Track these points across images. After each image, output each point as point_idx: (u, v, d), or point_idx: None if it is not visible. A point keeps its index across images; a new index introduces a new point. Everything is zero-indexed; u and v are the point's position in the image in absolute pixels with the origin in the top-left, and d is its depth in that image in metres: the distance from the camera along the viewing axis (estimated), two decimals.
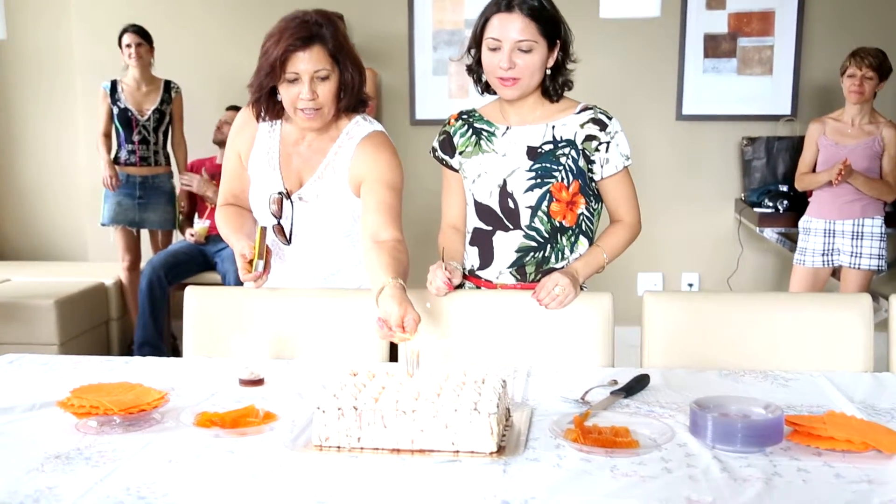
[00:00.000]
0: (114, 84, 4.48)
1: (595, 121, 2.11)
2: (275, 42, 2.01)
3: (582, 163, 2.11)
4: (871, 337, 2.03)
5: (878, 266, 3.76)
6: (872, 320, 2.04)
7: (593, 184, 2.15)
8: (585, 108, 2.14)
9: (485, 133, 2.17)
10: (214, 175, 4.74)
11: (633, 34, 4.66)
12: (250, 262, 2.04)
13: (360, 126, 2.17)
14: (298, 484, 1.30)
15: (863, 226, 3.74)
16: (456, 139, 2.21)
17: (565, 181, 2.10)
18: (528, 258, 2.14)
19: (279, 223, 2.18)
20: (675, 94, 4.68)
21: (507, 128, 2.15)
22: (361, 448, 1.42)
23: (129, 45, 4.45)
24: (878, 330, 2.03)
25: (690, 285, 4.87)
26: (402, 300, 1.80)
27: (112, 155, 4.51)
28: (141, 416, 1.56)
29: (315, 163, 2.17)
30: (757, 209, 4.32)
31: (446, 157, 2.23)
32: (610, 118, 2.13)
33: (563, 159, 2.10)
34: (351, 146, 2.14)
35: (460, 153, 2.20)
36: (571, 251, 2.15)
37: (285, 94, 2.06)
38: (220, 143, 4.70)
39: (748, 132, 4.64)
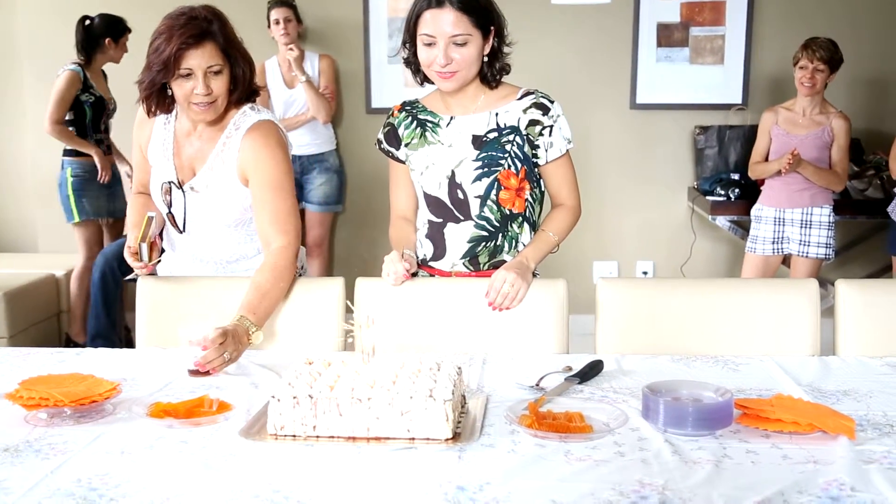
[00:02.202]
0: (81, 69, 4.34)
1: (537, 105, 2.12)
2: (166, 40, 2.02)
3: (527, 148, 2.12)
4: (818, 322, 2.08)
5: (826, 255, 3.84)
6: (819, 305, 2.09)
7: (536, 168, 2.17)
8: (527, 94, 2.14)
9: (429, 124, 2.17)
10: None
11: (587, 22, 4.69)
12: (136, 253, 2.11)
13: (246, 116, 2.18)
14: (253, 473, 1.30)
15: (811, 214, 3.81)
16: (401, 131, 2.20)
17: (512, 168, 2.11)
18: (480, 248, 2.15)
19: (170, 212, 2.22)
20: (629, 82, 4.72)
21: (451, 118, 2.15)
22: (317, 436, 1.42)
23: (125, 43, 4.35)
24: (826, 316, 2.08)
25: (645, 273, 4.92)
26: (224, 335, 1.82)
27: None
28: (92, 407, 1.54)
29: (206, 153, 2.19)
30: (709, 197, 4.38)
31: (392, 150, 2.22)
32: (552, 102, 2.14)
33: (508, 146, 2.11)
34: (238, 136, 2.16)
35: (406, 145, 2.19)
36: (525, 242, 2.17)
37: (178, 89, 2.08)
38: None
39: (700, 121, 4.70)
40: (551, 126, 2.12)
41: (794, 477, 1.26)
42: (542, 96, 2.14)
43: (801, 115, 3.84)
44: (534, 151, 2.13)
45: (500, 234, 2.15)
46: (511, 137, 2.11)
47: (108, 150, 4.45)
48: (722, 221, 4.37)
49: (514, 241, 2.16)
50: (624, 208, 4.85)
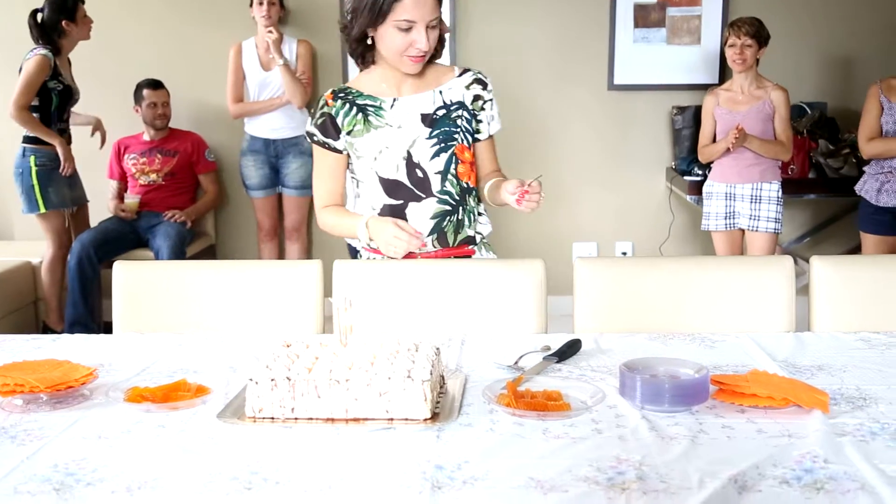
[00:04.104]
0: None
1: (478, 81, 2.20)
2: None
3: (473, 124, 2.18)
4: (794, 298, 2.10)
5: (776, 229, 3.90)
6: (794, 282, 2.11)
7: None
8: (465, 70, 2.21)
9: (370, 109, 2.15)
10: (144, 153, 4.65)
11: (564, 3, 4.68)
12: None
13: None
14: (232, 456, 1.29)
15: (761, 190, 3.87)
16: (340, 120, 2.16)
17: (465, 142, 2.17)
18: (445, 223, 2.16)
19: None
20: (606, 63, 4.72)
21: (394, 99, 2.15)
22: (295, 419, 1.42)
23: (86, 16, 4.24)
24: (801, 294, 2.10)
25: (624, 253, 4.94)
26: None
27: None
28: (69, 392, 1.53)
29: None
30: (687, 177, 4.40)
31: (329, 140, 2.17)
32: (487, 78, 2.23)
33: (459, 121, 2.15)
34: None
35: (348, 133, 2.16)
36: (479, 213, 2.24)
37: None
38: (160, 125, 4.61)
39: (678, 101, 4.72)
40: (491, 100, 2.21)
41: (768, 450, 1.28)
42: (478, 73, 2.22)
43: (741, 93, 3.90)
44: (477, 126, 2.19)
45: (461, 208, 2.18)
46: (460, 112, 2.17)
47: (68, 139, 4.37)
48: (696, 199, 4.39)
49: (472, 214, 2.20)
50: (602, 189, 4.87)
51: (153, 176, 4.64)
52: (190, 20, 4.81)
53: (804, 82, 4.35)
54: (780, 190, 3.89)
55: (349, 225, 2.15)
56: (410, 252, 2.16)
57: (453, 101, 2.16)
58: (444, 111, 2.15)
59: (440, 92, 2.16)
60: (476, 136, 2.20)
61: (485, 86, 2.20)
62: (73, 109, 4.37)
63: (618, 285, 2.14)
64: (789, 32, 4.51)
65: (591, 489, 1.17)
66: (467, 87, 2.18)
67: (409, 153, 2.13)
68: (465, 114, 2.17)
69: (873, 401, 1.49)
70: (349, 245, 2.50)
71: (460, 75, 2.19)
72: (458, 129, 2.15)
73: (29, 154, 4.18)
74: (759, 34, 3.80)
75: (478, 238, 2.25)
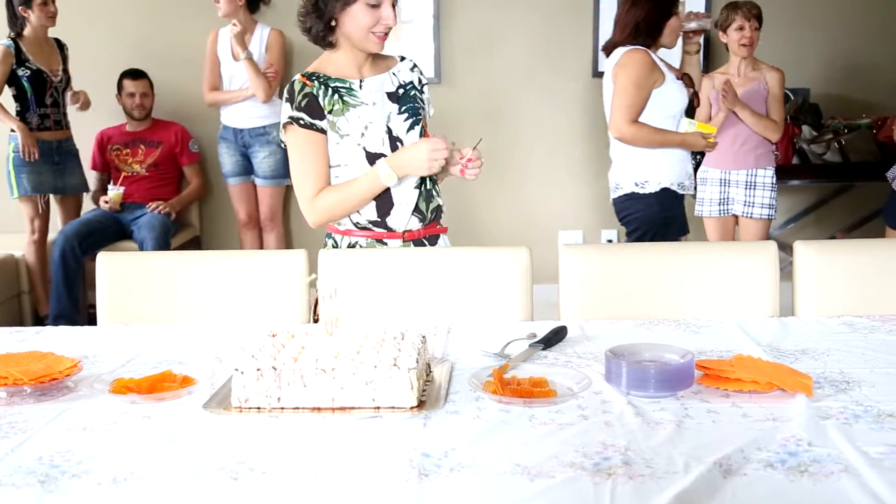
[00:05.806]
0: (15, 43, 4.26)
1: (417, 66, 2.35)
2: None
3: (421, 102, 2.32)
4: (778, 283, 2.11)
5: (769, 215, 3.91)
6: (778, 267, 2.12)
7: None
8: (403, 57, 2.34)
9: (343, 90, 2.19)
10: (128, 143, 4.62)
11: None
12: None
13: None
14: (218, 446, 1.29)
15: (756, 176, 3.86)
16: (321, 100, 2.18)
17: (427, 118, 2.29)
18: (419, 197, 2.24)
19: None
20: (590, 51, 4.72)
21: (361, 80, 2.22)
22: (282, 408, 1.41)
23: (46, 3, 4.23)
24: (786, 280, 2.11)
25: (610, 241, 4.95)
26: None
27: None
28: (53, 384, 1.53)
29: None
30: None
31: (316, 121, 2.18)
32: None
33: (417, 100, 2.29)
34: None
35: (329, 112, 2.18)
36: (436, 184, 2.31)
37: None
38: (139, 115, 4.58)
39: None
40: (427, 85, 2.36)
41: (753, 434, 1.29)
42: (412, 60, 2.36)
43: (736, 75, 3.89)
44: (423, 105, 2.33)
45: (428, 179, 2.26)
46: (414, 94, 2.29)
47: (56, 125, 4.36)
48: None
49: (434, 185, 2.29)
50: (588, 178, 4.87)
51: (136, 167, 4.61)
52: (176, 9, 4.78)
53: (787, 68, 4.32)
54: (775, 176, 3.89)
55: (363, 184, 2.18)
56: (392, 231, 2.23)
57: (407, 81, 2.28)
58: (403, 90, 2.26)
59: (394, 73, 2.27)
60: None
61: (421, 71, 2.35)
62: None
63: (603, 272, 2.14)
64: (772, 18, 4.51)
65: (577, 475, 1.17)
66: (411, 70, 2.31)
67: (388, 128, 2.21)
68: (417, 93, 2.30)
69: (856, 384, 1.50)
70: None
71: (402, 60, 2.32)
72: (420, 105, 2.29)
73: (11, 140, 4.25)
74: (761, 16, 3.79)
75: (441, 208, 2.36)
